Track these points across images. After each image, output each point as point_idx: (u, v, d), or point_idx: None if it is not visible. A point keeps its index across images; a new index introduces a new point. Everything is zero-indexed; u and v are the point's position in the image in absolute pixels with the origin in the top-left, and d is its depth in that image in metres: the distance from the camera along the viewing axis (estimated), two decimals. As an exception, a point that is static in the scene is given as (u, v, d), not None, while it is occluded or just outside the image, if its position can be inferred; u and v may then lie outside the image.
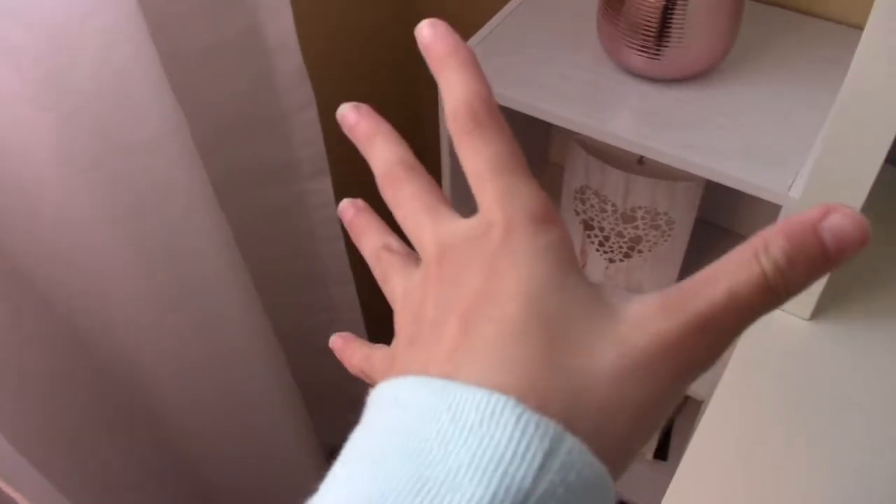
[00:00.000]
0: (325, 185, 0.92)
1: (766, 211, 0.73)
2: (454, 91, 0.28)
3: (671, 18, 0.73)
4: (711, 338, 0.23)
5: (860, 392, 0.63)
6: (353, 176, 1.11)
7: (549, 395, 0.22)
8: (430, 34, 0.29)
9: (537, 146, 1.13)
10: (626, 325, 0.24)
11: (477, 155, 0.27)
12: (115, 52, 0.58)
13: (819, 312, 0.67)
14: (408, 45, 1.13)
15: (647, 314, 0.24)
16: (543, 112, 0.78)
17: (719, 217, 1.03)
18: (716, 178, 0.72)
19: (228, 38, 0.74)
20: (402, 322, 0.28)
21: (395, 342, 0.29)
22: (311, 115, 0.84)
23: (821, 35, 0.83)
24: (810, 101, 0.76)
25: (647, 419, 0.23)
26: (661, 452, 1.14)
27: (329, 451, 1.27)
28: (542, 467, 0.20)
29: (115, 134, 0.62)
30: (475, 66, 0.29)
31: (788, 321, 0.67)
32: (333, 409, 1.26)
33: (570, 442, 0.21)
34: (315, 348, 1.14)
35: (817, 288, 0.64)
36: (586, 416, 0.22)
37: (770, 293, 0.23)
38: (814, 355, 0.65)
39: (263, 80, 0.78)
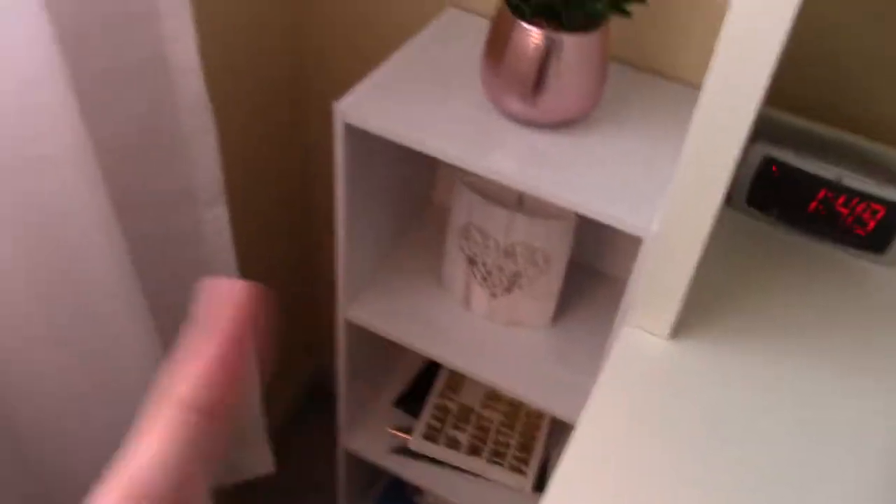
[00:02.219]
0: (221, 212, 0.94)
1: (630, 249, 0.81)
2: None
3: (546, 71, 0.82)
4: None
5: (719, 405, 0.70)
6: (246, 205, 1.14)
7: None
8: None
9: (423, 188, 1.20)
10: None
11: None
12: (21, 65, 0.61)
13: (678, 332, 0.75)
14: (295, 75, 1.18)
15: None
16: (433, 150, 0.84)
17: (591, 259, 1.12)
18: (585, 213, 0.79)
19: (132, 59, 0.76)
20: None
21: None
22: (210, 140, 0.87)
23: (676, 94, 0.94)
24: (665, 150, 0.85)
25: None
26: (540, 484, 1.19)
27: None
28: None
29: (20, 146, 0.63)
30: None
31: (649, 341, 0.75)
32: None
33: None
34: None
35: (675, 308, 0.72)
36: None
37: None
38: (674, 372, 0.73)
39: (166, 103, 0.81)
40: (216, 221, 0.95)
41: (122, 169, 0.84)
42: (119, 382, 0.88)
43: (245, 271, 1.05)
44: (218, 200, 0.93)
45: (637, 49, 0.96)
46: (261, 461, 1.33)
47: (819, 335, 0.77)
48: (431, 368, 1.34)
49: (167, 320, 0.95)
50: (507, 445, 1.24)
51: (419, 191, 1.19)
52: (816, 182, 0.82)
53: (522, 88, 0.84)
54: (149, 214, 0.89)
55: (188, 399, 0.29)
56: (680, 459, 0.66)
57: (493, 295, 1.04)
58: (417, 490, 1.42)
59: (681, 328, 0.75)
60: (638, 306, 0.74)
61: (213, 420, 0.29)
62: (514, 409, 1.28)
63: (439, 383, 1.31)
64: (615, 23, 0.83)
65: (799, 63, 0.85)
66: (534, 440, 1.25)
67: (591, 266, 1.13)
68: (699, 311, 0.77)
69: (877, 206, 0.80)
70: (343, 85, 0.89)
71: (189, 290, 1.00)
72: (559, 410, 0.99)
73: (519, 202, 0.98)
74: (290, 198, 1.35)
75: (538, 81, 0.83)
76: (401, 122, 0.85)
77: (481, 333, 1.05)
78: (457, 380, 1.32)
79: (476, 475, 1.21)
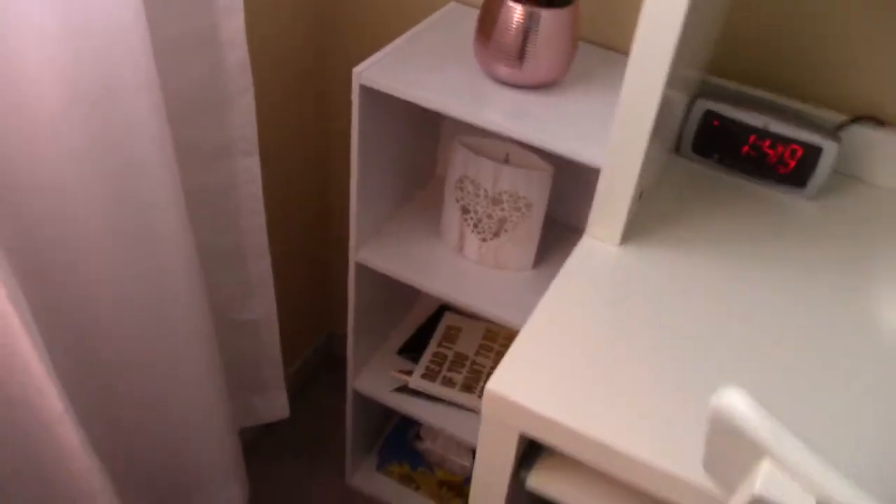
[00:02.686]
0: (254, 162, 1.12)
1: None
2: None
3: (527, 41, 1.01)
4: None
5: (659, 296, 0.87)
6: (276, 159, 1.31)
7: None
8: None
9: (427, 162, 1.38)
10: None
11: None
12: (119, 43, 0.79)
13: (626, 240, 0.93)
14: (319, 51, 1.37)
15: None
16: (436, 105, 1.02)
17: (566, 217, 1.30)
18: (558, 151, 0.98)
19: (191, 29, 0.95)
20: None
21: None
22: (249, 99, 1.05)
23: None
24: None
25: None
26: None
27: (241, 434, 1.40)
28: None
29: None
30: None
31: (601, 247, 0.92)
32: (236, 388, 1.41)
33: None
34: (230, 323, 1.31)
35: (622, 218, 0.90)
36: None
37: None
38: (621, 270, 0.90)
39: (216, 66, 1.00)
40: (250, 171, 1.13)
41: (180, 123, 1.02)
42: (169, 291, 1.04)
43: (270, 227, 1.23)
44: (253, 151, 1.11)
45: (600, 30, 1.15)
46: (278, 406, 1.49)
47: (747, 250, 0.95)
48: (432, 322, 1.51)
49: (201, 259, 1.12)
50: (497, 386, 1.40)
51: (424, 163, 1.38)
52: (747, 129, 1.01)
53: (508, 56, 1.02)
54: (198, 164, 1.07)
55: None
56: (622, 338, 0.83)
57: (484, 240, 1.22)
58: (418, 437, 1.57)
59: (630, 239, 0.93)
60: (592, 219, 0.92)
61: None
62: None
63: (438, 334, 1.48)
64: (585, 7, 1.02)
65: (737, 39, 1.05)
66: (520, 382, 1.41)
67: (567, 223, 1.31)
68: (647, 231, 0.95)
69: (796, 147, 0.99)
70: (358, 60, 1.07)
71: (219, 234, 1.18)
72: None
73: (506, 160, 1.16)
74: (312, 164, 1.53)
75: (521, 50, 1.02)
76: (408, 84, 1.04)
77: (473, 274, 1.23)
78: (454, 330, 1.49)
79: (468, 409, 1.38)
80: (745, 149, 1.02)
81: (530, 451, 0.85)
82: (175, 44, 0.96)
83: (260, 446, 1.68)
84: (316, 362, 1.85)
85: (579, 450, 0.75)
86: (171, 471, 1.25)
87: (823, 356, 0.82)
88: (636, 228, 0.94)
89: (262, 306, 1.31)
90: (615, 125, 0.84)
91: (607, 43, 1.16)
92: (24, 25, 0.73)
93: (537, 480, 0.84)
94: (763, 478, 0.54)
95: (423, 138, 1.32)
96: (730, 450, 0.59)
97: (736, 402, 0.55)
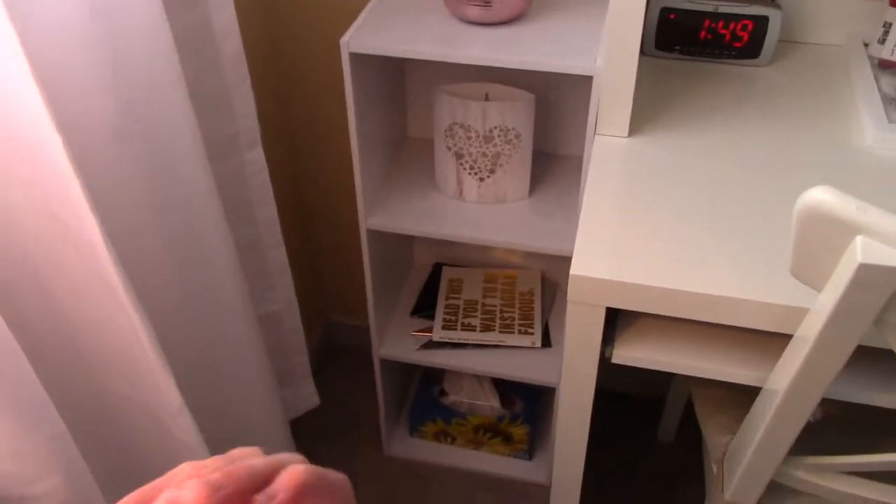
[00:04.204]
0: (259, 154, 1.16)
1: (580, 128, 1.08)
2: None
3: (491, -20, 1.09)
4: None
5: (683, 173, 0.98)
6: (278, 148, 1.33)
7: None
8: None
9: (400, 120, 1.45)
10: None
11: None
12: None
13: (633, 132, 1.03)
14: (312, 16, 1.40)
15: None
16: (421, 54, 1.09)
17: (550, 147, 1.40)
18: (545, 68, 1.06)
19: (187, 25, 0.98)
20: None
21: None
22: (247, 90, 1.09)
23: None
24: (589, 25, 1.14)
25: None
26: (546, 339, 1.45)
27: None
28: None
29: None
30: None
31: (614, 142, 1.02)
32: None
33: None
34: (254, 315, 1.33)
35: (627, 113, 1.00)
36: None
37: None
38: (636, 154, 1.00)
39: (213, 61, 1.03)
40: (255, 163, 1.17)
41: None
42: (207, 276, 1.06)
43: (282, 218, 1.26)
44: (256, 143, 1.15)
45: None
46: (307, 396, 1.52)
47: (727, 119, 1.07)
48: (433, 279, 1.58)
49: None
50: (512, 318, 1.49)
51: (398, 124, 1.44)
52: (701, 15, 1.13)
53: (476, -2, 1.10)
54: (210, 159, 1.10)
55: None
56: (661, 205, 0.93)
57: (481, 179, 1.30)
58: (442, 393, 1.64)
59: (634, 131, 1.03)
60: (601, 120, 1.01)
61: None
62: (510, 292, 1.54)
63: (443, 289, 1.55)
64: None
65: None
66: (532, 310, 1.51)
67: (553, 153, 1.41)
68: (644, 121, 1.05)
69: (746, 22, 1.12)
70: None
71: (236, 228, 1.21)
72: (549, 248, 1.25)
73: (486, 99, 1.24)
74: (311, 146, 1.55)
75: (487, -11, 1.10)
76: (392, 42, 1.10)
77: (476, 213, 1.31)
78: (456, 282, 1.56)
79: (493, 346, 1.46)
80: (703, 34, 1.14)
81: (605, 333, 0.94)
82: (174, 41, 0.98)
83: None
84: (319, 354, 1.87)
85: (667, 306, 0.84)
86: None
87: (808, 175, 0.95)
88: (633, 122, 1.04)
89: (283, 295, 1.34)
90: (607, 30, 0.94)
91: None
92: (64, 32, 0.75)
93: (620, 355, 0.93)
94: (862, 248, 0.65)
95: (395, 99, 1.39)
96: (818, 244, 0.69)
97: (824, 193, 0.65)
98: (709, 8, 1.12)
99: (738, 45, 1.14)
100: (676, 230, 0.89)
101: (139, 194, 0.91)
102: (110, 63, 0.80)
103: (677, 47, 1.16)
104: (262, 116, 1.15)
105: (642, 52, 1.17)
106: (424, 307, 1.54)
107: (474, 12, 1.12)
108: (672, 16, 1.14)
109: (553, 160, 1.40)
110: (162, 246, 0.96)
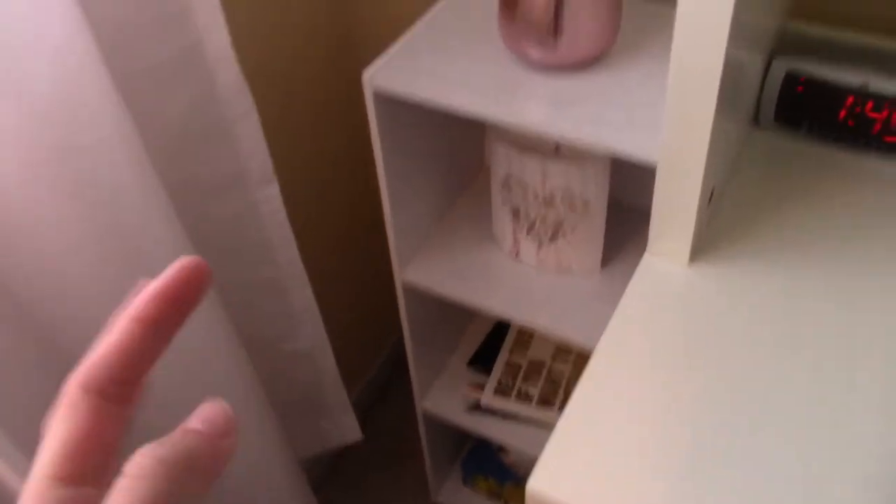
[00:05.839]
0: (274, 192, 1.01)
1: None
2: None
3: (561, 13, 0.84)
4: None
5: (739, 329, 0.70)
6: (298, 185, 1.20)
7: None
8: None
9: (473, 151, 1.23)
10: None
11: None
12: (64, 65, 0.68)
13: (697, 256, 0.75)
14: (343, 43, 1.23)
15: None
16: (459, 107, 0.87)
17: (631, 197, 1.12)
18: (611, 152, 0.81)
19: (172, 55, 0.84)
20: None
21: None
22: (253, 123, 0.94)
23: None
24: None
25: None
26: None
27: (304, 463, 1.33)
28: None
29: (71, 135, 0.71)
30: None
31: (665, 270, 0.75)
32: (303, 416, 1.33)
33: None
34: (282, 354, 1.22)
35: (688, 233, 0.73)
36: None
37: None
38: (694, 298, 0.73)
39: (206, 92, 0.88)
40: (271, 201, 1.02)
41: (177, 156, 0.91)
42: (193, 355, 0.95)
43: (307, 248, 1.12)
44: (270, 180, 1.00)
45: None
46: (348, 430, 1.40)
47: (859, 251, 0.75)
48: (501, 328, 1.37)
49: (234, 295, 1.03)
50: (579, 395, 1.26)
51: (469, 153, 1.23)
52: (842, 90, 0.81)
53: (540, 33, 0.86)
54: (206, 198, 0.97)
55: (79, 380, 0.26)
56: (700, 381, 0.67)
57: (540, 244, 1.07)
58: (502, 449, 1.45)
59: (706, 252, 0.75)
60: (653, 234, 0.75)
61: (106, 401, 0.27)
62: (585, 362, 1.30)
63: (509, 341, 1.35)
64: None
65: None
66: (605, 388, 1.27)
67: (636, 206, 1.14)
68: (724, 240, 0.77)
69: (908, 108, 0.79)
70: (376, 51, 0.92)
71: (251, 268, 1.09)
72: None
73: (556, 150, 1.00)
74: (346, 175, 1.41)
75: (555, 23, 0.85)
76: (426, 85, 0.89)
77: (533, 283, 1.08)
78: (526, 337, 1.35)
79: (549, 426, 1.24)
80: (842, 114, 0.82)
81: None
82: (156, 72, 0.85)
83: (339, 467, 1.60)
84: (384, 376, 1.75)
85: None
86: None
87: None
88: (709, 238, 0.76)
89: (312, 336, 1.21)
90: (668, 107, 0.66)
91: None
92: None
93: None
94: None
95: (461, 129, 1.17)
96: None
97: None
98: (855, 81, 0.80)
99: (891, 139, 0.81)
100: (696, 458, 0.63)
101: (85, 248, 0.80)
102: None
103: (805, 124, 0.85)
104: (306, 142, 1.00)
105: (756, 123, 0.89)
106: (484, 359, 1.35)
107: (536, 53, 0.88)
108: (800, 86, 0.83)
109: (639, 217, 1.12)
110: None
